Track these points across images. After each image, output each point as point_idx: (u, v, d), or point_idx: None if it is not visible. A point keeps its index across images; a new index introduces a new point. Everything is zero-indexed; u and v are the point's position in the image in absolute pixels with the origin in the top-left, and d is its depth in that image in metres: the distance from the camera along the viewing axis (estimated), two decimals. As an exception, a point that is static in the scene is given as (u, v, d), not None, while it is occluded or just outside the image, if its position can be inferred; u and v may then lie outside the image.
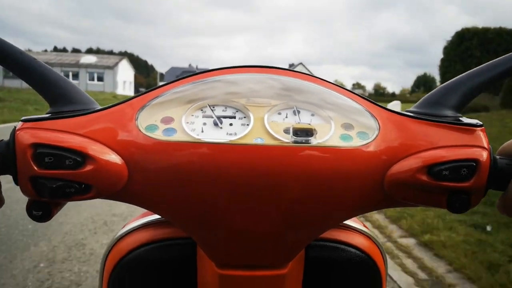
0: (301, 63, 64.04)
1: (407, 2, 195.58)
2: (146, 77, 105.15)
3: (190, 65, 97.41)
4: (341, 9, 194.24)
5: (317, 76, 0.41)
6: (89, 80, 36.50)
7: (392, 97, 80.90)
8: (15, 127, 0.34)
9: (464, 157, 0.33)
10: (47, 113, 0.36)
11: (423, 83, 71.44)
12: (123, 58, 39.92)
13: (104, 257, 0.48)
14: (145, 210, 0.44)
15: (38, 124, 0.33)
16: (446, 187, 0.33)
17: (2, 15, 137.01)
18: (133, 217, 0.52)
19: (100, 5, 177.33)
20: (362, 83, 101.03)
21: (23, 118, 0.34)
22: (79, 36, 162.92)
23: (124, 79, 40.28)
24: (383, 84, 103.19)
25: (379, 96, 73.10)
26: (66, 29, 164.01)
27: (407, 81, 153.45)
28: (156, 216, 0.47)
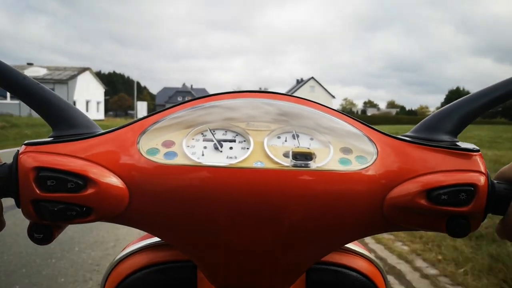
0: (312, 78, 54.58)
1: (402, 22, 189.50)
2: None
3: (184, 84, 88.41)
4: (337, 30, 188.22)
5: (314, 100, 0.41)
6: (33, 99, 26.29)
7: (415, 115, 71.31)
8: (18, 150, 0.34)
9: (462, 182, 0.34)
10: (49, 137, 0.37)
11: (456, 98, 61.91)
12: (84, 70, 29.90)
13: (103, 280, 0.47)
14: (145, 233, 0.45)
15: (41, 147, 0.34)
16: (445, 212, 0.34)
17: (1, 45, 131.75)
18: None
19: (97, 30, 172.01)
20: (356, 101, 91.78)
21: (26, 142, 0.35)
22: (77, 61, 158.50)
23: (87, 97, 30.49)
24: (377, 102, 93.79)
25: (407, 115, 63.60)
26: (64, 54, 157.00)
27: (404, 99, 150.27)
28: (156, 239, 0.47)
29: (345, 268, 0.45)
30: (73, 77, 27.57)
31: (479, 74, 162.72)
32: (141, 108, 38.19)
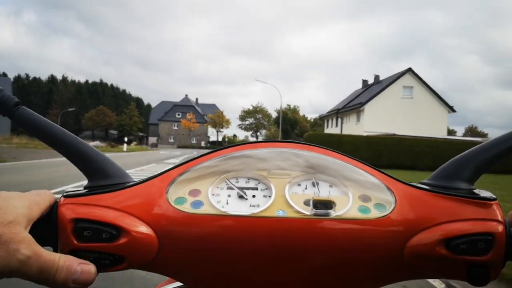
0: (410, 70, 29.69)
1: (426, 51, 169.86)
2: (119, 114, 72.78)
3: (186, 96, 65.68)
4: (359, 57, 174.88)
5: (335, 150, 0.42)
6: None
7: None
8: (57, 201, 0.36)
9: (480, 231, 0.34)
10: (85, 188, 0.39)
11: None
12: None
13: None
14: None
15: (78, 199, 0.36)
16: (465, 260, 0.34)
17: (26, 66, 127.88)
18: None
19: (120, 54, 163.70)
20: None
21: (64, 193, 0.36)
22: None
23: None
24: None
25: None
26: (87, 76, 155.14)
27: (422, 129, 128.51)
28: (180, 283, 0.48)
29: None
30: None
31: (505, 107, 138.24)
32: None
